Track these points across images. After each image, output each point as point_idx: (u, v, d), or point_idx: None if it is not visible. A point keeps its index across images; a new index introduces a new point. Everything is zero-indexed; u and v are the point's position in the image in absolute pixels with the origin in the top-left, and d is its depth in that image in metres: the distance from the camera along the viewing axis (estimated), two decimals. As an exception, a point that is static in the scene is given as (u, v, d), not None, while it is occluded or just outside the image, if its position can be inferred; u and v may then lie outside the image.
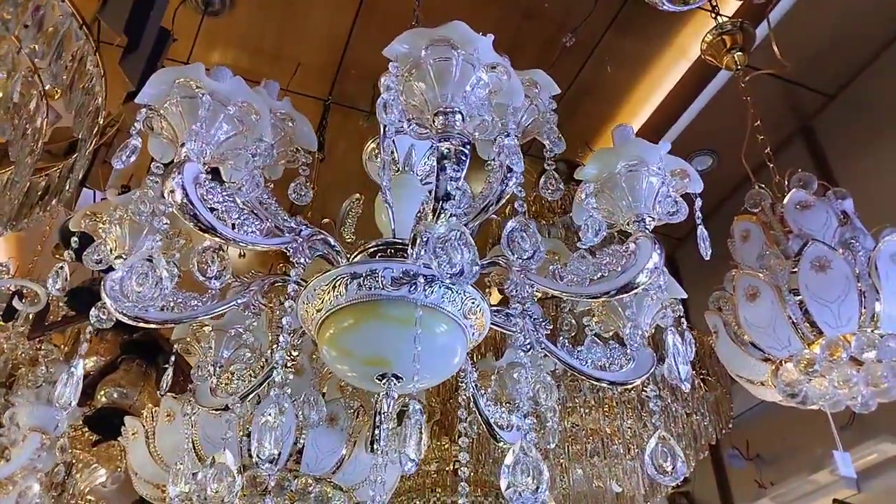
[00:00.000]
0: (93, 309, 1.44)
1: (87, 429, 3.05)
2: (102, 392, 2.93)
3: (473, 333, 1.46)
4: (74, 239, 1.52)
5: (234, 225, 1.31)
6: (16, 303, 2.42)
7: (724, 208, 2.26)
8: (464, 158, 1.15)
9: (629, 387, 2.44)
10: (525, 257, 1.25)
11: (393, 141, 1.64)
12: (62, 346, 3.08)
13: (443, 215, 1.14)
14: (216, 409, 1.80)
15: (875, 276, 1.72)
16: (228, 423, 1.88)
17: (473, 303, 1.40)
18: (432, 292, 1.33)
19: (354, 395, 2.17)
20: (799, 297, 1.74)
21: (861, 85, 3.14)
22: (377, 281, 1.31)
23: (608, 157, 1.38)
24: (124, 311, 1.37)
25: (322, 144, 3.24)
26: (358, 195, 2.00)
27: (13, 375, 2.65)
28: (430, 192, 1.43)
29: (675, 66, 3.47)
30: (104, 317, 1.44)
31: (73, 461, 3.16)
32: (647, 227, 1.37)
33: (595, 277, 1.40)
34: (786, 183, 2.09)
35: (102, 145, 1.63)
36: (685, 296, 1.67)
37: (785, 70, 2.55)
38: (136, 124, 1.24)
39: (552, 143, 1.39)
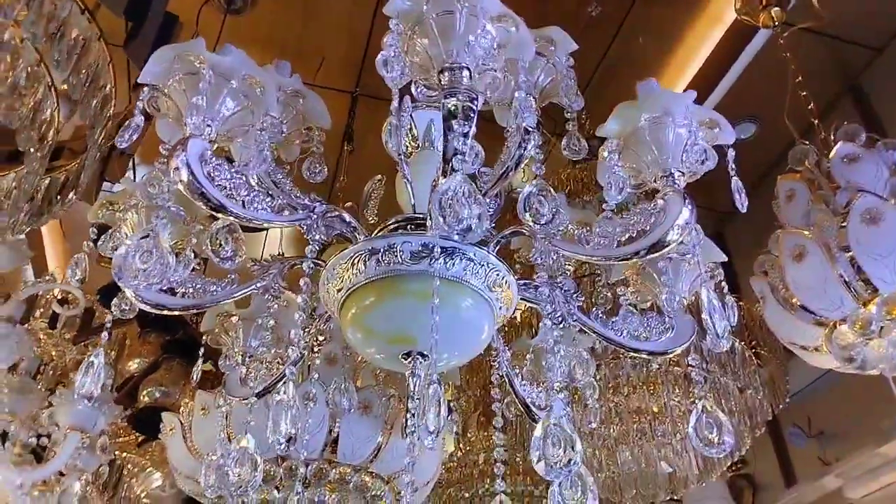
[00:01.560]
0: (114, 299, 1.44)
1: (134, 431, 3.08)
2: (145, 392, 2.96)
3: (500, 308, 1.40)
4: (93, 229, 1.51)
5: (244, 202, 1.28)
6: (55, 307, 2.45)
7: (771, 176, 2.14)
8: (471, 115, 1.10)
9: (670, 358, 2.36)
10: (543, 221, 1.18)
11: (411, 116, 1.60)
12: (110, 351, 3.12)
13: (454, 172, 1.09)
14: (247, 399, 1.78)
15: (932, 225, 1.60)
16: (252, 410, 1.87)
17: (498, 275, 1.34)
18: (453, 265, 1.27)
19: (389, 381, 2.13)
20: (850, 254, 1.62)
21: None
22: (396, 255, 1.27)
23: (631, 110, 1.30)
24: (145, 299, 1.36)
25: (351, 136, 3.22)
26: (380, 176, 1.95)
27: (61, 382, 2.69)
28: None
29: (710, 32, 3.34)
30: (126, 307, 1.43)
31: (124, 464, 3.20)
32: (677, 182, 1.29)
33: (623, 239, 1.32)
34: (831, 138, 1.97)
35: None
36: (724, 258, 1.58)
37: (824, 22, 2.41)
38: (139, 103, 1.22)
39: (571, 101, 1.32)
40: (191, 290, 1.41)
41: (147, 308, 1.38)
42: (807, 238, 1.69)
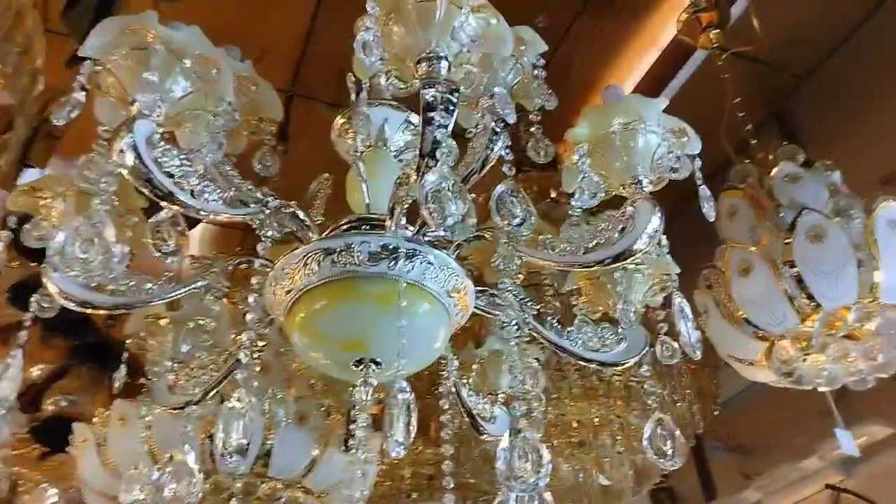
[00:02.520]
0: (34, 295, 1.30)
1: (34, 444, 2.84)
2: (50, 401, 2.73)
3: (457, 314, 1.35)
4: (12, 218, 1.36)
5: (192, 192, 1.17)
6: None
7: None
8: (452, 108, 1.04)
9: (617, 371, 2.37)
10: (516, 223, 1.14)
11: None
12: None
13: (434, 165, 1.03)
14: (175, 408, 1.64)
15: (873, 245, 1.66)
16: (188, 421, 1.74)
17: (458, 280, 1.29)
18: (413, 268, 1.21)
19: (326, 392, 2.03)
20: (795, 270, 1.66)
21: (832, 69, 3.11)
22: (353, 256, 1.19)
23: (601, 115, 1.28)
24: (71, 295, 1.23)
25: (286, 136, 3.10)
26: (327, 175, 1.87)
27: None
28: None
29: (649, 50, 3.42)
30: (46, 304, 1.29)
31: (19, 481, 2.94)
32: (644, 189, 1.27)
33: (591, 245, 1.29)
34: (769, 157, 2.02)
35: (45, 120, 1.49)
36: (678, 270, 1.58)
37: (763, 47, 2.50)
38: (78, 77, 1.10)
39: (544, 100, 1.28)
40: (123, 288, 1.28)
41: (72, 306, 1.25)
42: (753, 254, 1.72)
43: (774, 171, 1.90)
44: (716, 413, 2.38)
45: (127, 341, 1.70)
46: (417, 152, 1.07)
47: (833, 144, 2.95)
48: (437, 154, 1.04)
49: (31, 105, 1.33)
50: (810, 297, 1.65)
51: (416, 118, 1.53)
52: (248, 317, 1.18)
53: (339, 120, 1.60)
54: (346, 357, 1.23)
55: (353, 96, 1.52)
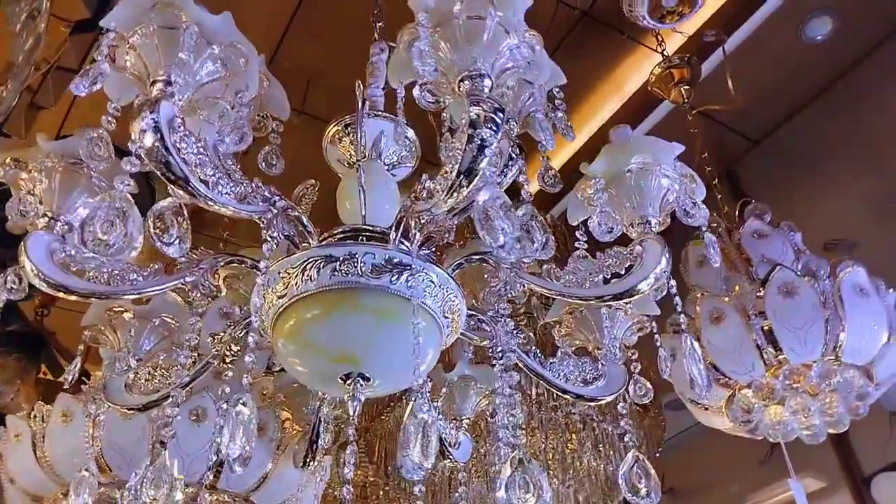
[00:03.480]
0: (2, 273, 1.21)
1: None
2: (-32, 390, 2.52)
3: (447, 335, 1.33)
4: (-9, 189, 1.26)
5: (207, 183, 1.12)
6: None
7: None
8: (495, 127, 1.03)
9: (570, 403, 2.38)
10: (499, 243, 1.09)
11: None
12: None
13: (470, 183, 1.02)
14: (131, 409, 1.55)
15: (840, 306, 1.74)
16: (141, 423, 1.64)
17: (455, 301, 1.28)
18: (414, 284, 1.19)
19: (283, 404, 1.96)
20: (766, 322, 1.73)
21: (784, 136, 3.29)
22: (356, 267, 1.16)
23: (619, 152, 1.30)
24: (47, 276, 1.15)
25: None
26: (313, 181, 1.82)
27: None
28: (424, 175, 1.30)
29: (610, 100, 3.52)
30: (14, 285, 1.21)
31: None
32: (653, 229, 1.29)
33: (595, 280, 1.30)
34: (735, 213, 2.11)
35: (26, 88, 1.39)
36: (658, 312, 1.61)
37: (735, 105, 2.62)
38: (101, 48, 1.04)
39: (563, 133, 1.29)
40: (105, 275, 1.21)
41: (44, 287, 1.17)
42: (726, 303, 1.78)
43: (744, 225, 1.98)
44: (658, 454, 2.43)
45: (85, 333, 1.59)
46: (453, 168, 1.06)
47: (779, 207, 3.10)
48: (477, 172, 1.03)
49: (26, 70, 1.24)
50: (777, 350, 1.72)
51: (412, 133, 1.52)
52: (254, 319, 1.12)
53: (333, 128, 1.56)
54: (334, 370, 1.19)
55: (359, 104, 1.50)
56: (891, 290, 1.88)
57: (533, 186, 1.36)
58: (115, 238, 0.90)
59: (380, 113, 1.52)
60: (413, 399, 1.02)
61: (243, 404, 1.01)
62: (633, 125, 3.36)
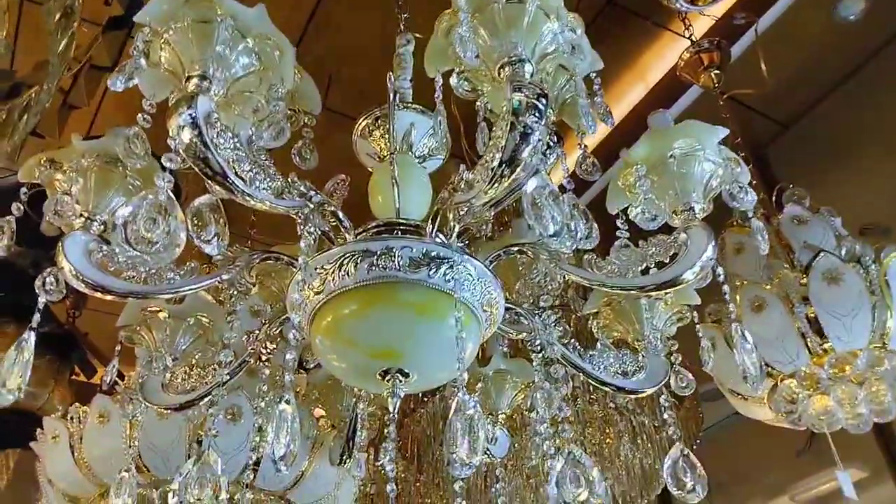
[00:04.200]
0: (41, 274, 1.20)
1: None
2: (4, 392, 2.51)
3: (486, 329, 1.31)
4: (24, 191, 1.25)
5: (244, 179, 1.11)
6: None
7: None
8: (539, 114, 1.00)
9: (590, 397, 2.35)
10: (549, 232, 1.06)
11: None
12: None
13: (512, 173, 0.99)
14: (169, 408, 1.54)
15: (886, 292, 1.70)
16: (179, 427, 1.64)
17: (493, 294, 1.25)
18: (453, 278, 1.17)
19: (318, 401, 1.94)
20: (810, 309, 1.69)
21: (813, 121, 3.23)
22: (393, 260, 1.14)
23: (661, 137, 1.26)
24: (85, 277, 1.14)
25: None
26: (343, 176, 1.81)
27: None
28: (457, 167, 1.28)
29: (634, 88, 3.47)
30: (52, 286, 1.20)
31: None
32: (697, 216, 1.26)
33: (639, 269, 1.27)
34: (772, 198, 2.06)
35: (58, 88, 1.39)
36: (699, 301, 1.57)
37: (766, 88, 2.57)
38: (137, 44, 1.02)
39: (603, 118, 1.25)
40: (143, 274, 1.20)
41: (82, 288, 1.16)
42: (768, 291, 1.74)
43: (784, 210, 1.94)
44: (695, 447, 2.39)
45: (121, 334, 1.58)
46: (494, 157, 1.04)
47: (809, 192, 3.05)
48: (520, 161, 1.01)
49: (62, 69, 1.23)
50: (822, 338, 1.68)
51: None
52: (293, 317, 1.11)
53: (363, 121, 1.54)
54: (373, 366, 1.17)
55: (390, 96, 1.48)
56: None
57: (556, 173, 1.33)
58: (158, 235, 0.88)
59: (409, 104, 1.50)
60: (458, 395, 0.99)
61: (287, 402, 1.00)
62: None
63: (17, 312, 2.69)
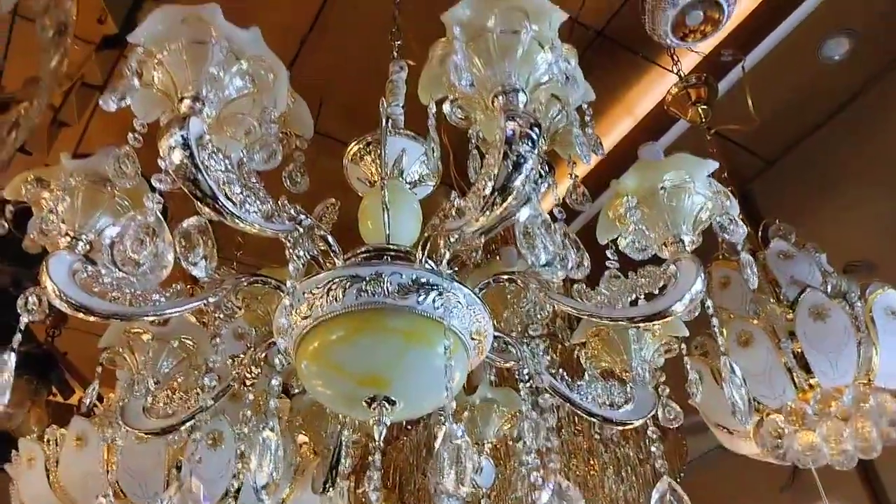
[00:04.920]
0: (23, 294, 1.18)
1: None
2: (-23, 413, 2.48)
3: (474, 357, 1.30)
4: (10, 208, 1.24)
5: (234, 201, 1.10)
6: None
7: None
8: (531, 143, 1.01)
9: (575, 429, 2.33)
10: (541, 262, 1.06)
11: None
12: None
13: (504, 201, 0.99)
14: (150, 433, 1.51)
15: (872, 329, 1.71)
16: (158, 452, 1.60)
17: (482, 322, 1.25)
18: (441, 304, 1.16)
19: (301, 428, 1.92)
20: (797, 345, 1.69)
21: (797, 158, 3.28)
22: (382, 286, 1.13)
23: (651, 169, 1.27)
24: (68, 297, 1.12)
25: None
26: (333, 200, 1.80)
27: None
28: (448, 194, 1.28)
29: (622, 121, 3.51)
30: (34, 306, 1.18)
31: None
32: (687, 248, 1.26)
33: (628, 300, 1.27)
34: (759, 233, 2.08)
35: (48, 105, 1.37)
36: (686, 333, 1.57)
37: (754, 124, 2.60)
38: (131, 64, 1.02)
39: (593, 149, 1.26)
40: (128, 295, 1.18)
41: (64, 308, 1.14)
42: (754, 326, 1.75)
43: (770, 246, 1.95)
44: (682, 476, 2.38)
45: (102, 355, 1.55)
46: (486, 185, 1.04)
47: (794, 229, 3.08)
48: (512, 189, 1.01)
49: (52, 87, 1.23)
50: (808, 373, 1.68)
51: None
52: (279, 342, 1.09)
53: (354, 146, 1.55)
54: (359, 393, 1.16)
55: (382, 122, 1.48)
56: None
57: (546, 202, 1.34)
58: (145, 257, 0.87)
59: (400, 131, 1.50)
60: (446, 424, 0.98)
61: (270, 429, 0.98)
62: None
63: (33, 365, 2.65)
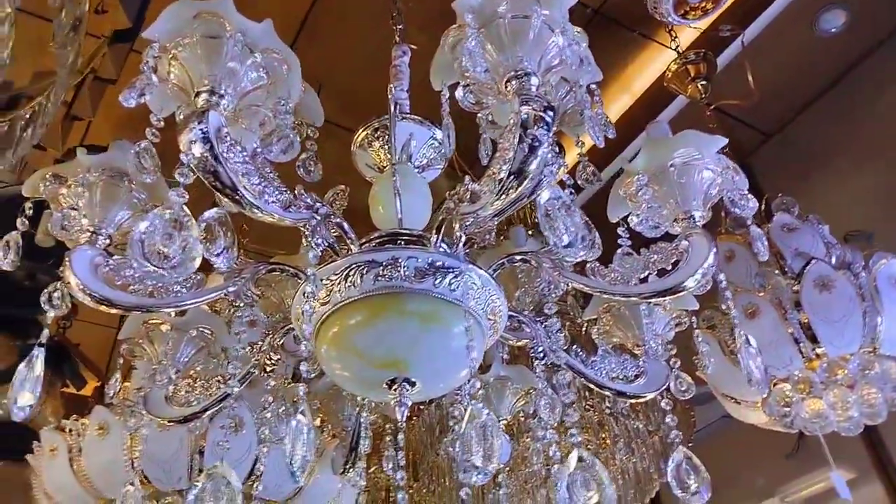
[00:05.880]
0: (48, 287, 1.20)
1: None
2: (-5, 405, 2.50)
3: (490, 337, 1.32)
4: (28, 205, 1.25)
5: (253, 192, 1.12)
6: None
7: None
8: (546, 126, 1.03)
9: (586, 404, 2.36)
10: (563, 243, 1.09)
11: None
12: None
13: (520, 185, 1.01)
14: (173, 421, 1.54)
15: (876, 297, 1.74)
16: (181, 438, 1.63)
17: (497, 302, 1.27)
18: (458, 286, 1.18)
19: (318, 411, 1.95)
20: (803, 315, 1.73)
21: (795, 131, 3.29)
22: (399, 271, 1.15)
23: (661, 147, 1.29)
24: (91, 290, 1.14)
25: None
26: (343, 186, 1.82)
27: None
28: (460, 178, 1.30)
29: (619, 99, 3.51)
30: (57, 301, 1.20)
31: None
32: (698, 224, 1.28)
33: (642, 276, 1.29)
34: (761, 206, 2.10)
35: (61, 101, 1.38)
36: (696, 307, 1.60)
37: (753, 99, 2.61)
38: (148, 59, 1.03)
39: (604, 130, 1.27)
40: (149, 287, 1.20)
41: (88, 301, 1.16)
42: (760, 298, 1.78)
43: (773, 219, 1.98)
44: (689, 447, 2.41)
45: (123, 346, 1.58)
46: (501, 169, 1.06)
47: (796, 197, 3.10)
48: (528, 173, 1.03)
49: (68, 82, 1.24)
50: (815, 343, 1.72)
51: (440, 135, 1.51)
52: (303, 328, 1.12)
53: (362, 132, 1.56)
54: (379, 376, 1.18)
55: (391, 107, 1.50)
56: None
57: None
58: (174, 251, 0.89)
59: (407, 115, 1.51)
60: (470, 404, 1.01)
61: (302, 414, 1.01)
62: (647, 122, 3.35)
63: (10, 326, 2.66)
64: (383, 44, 1.67)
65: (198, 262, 0.98)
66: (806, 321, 1.76)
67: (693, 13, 2.31)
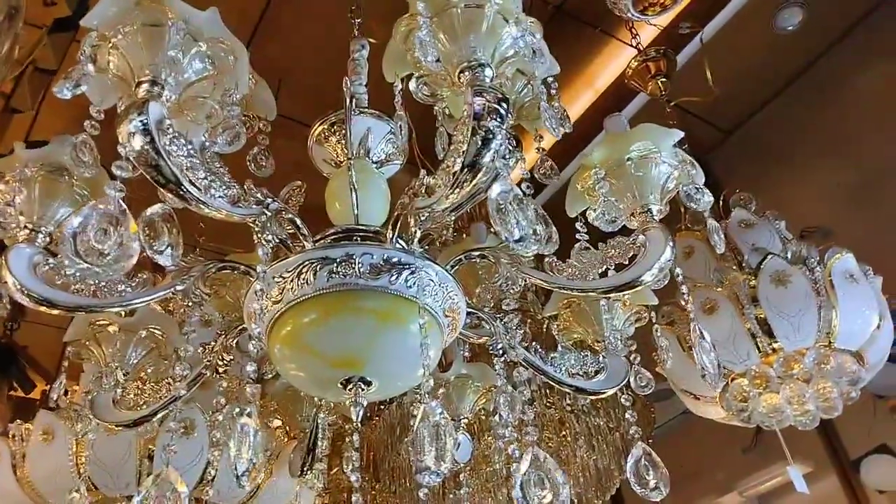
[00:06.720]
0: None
1: None
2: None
3: (448, 334, 1.30)
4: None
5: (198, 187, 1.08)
6: None
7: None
8: (500, 118, 1.00)
9: (547, 401, 2.35)
10: (514, 237, 1.06)
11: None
12: None
13: (473, 178, 0.99)
14: (121, 425, 1.48)
15: (831, 292, 1.76)
16: (129, 443, 1.58)
17: (455, 299, 1.25)
18: (414, 283, 1.16)
19: (276, 413, 1.91)
20: (759, 310, 1.74)
21: (754, 127, 3.33)
22: (353, 268, 1.12)
23: (618, 141, 1.28)
24: (29, 290, 1.09)
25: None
26: (299, 182, 1.78)
27: None
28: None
29: (583, 95, 3.52)
30: None
31: None
32: (655, 218, 1.28)
33: (600, 271, 1.28)
34: (719, 203, 2.12)
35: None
36: (655, 302, 1.60)
37: (713, 96, 2.64)
38: (84, 48, 0.99)
39: (561, 124, 1.26)
40: (92, 287, 1.15)
41: (26, 302, 1.11)
42: (718, 293, 1.79)
43: (731, 215, 1.99)
44: (650, 443, 2.42)
45: (69, 348, 1.52)
46: (455, 162, 1.03)
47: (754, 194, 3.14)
48: (482, 165, 1.00)
49: (5, 74, 1.18)
50: (771, 338, 1.73)
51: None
52: (254, 327, 1.08)
53: (318, 127, 1.52)
54: (335, 375, 1.15)
55: (347, 101, 1.46)
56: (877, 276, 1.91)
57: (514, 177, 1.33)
58: (109, 247, 0.85)
59: (364, 110, 1.48)
60: (424, 402, 0.98)
61: (248, 416, 0.97)
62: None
63: None
64: (345, 38, 1.63)
65: (134, 260, 0.93)
66: (762, 316, 1.77)
67: (652, 9, 2.32)
